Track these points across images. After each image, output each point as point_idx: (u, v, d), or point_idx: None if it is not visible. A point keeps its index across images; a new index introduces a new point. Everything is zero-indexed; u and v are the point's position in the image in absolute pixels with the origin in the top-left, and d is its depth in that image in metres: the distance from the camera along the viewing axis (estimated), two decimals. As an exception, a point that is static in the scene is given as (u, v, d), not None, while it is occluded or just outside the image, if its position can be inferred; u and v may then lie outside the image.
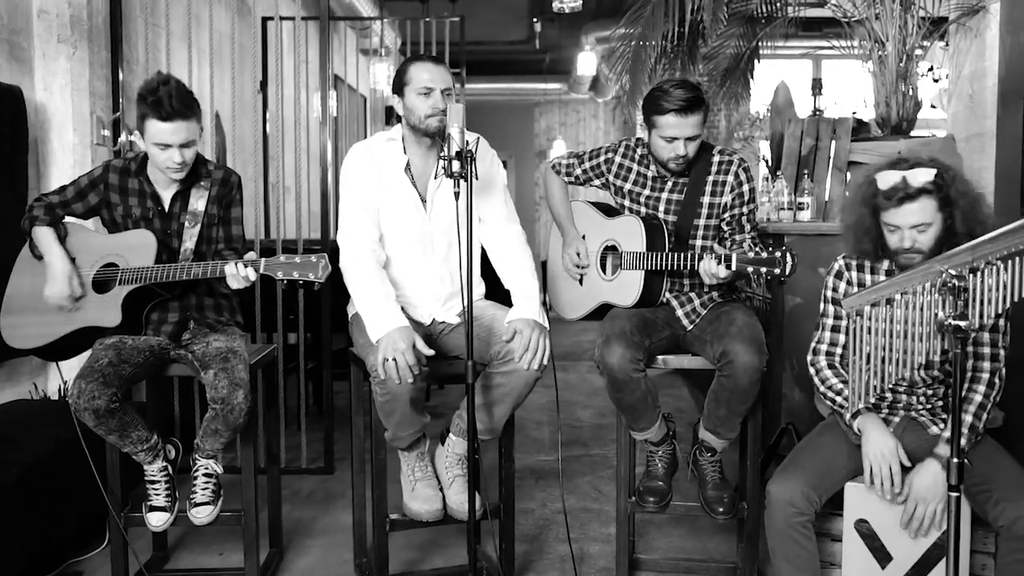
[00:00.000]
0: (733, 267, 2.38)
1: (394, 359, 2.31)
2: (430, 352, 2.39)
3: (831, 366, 2.37)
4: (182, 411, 3.83)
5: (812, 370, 2.38)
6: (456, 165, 2.26)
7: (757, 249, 2.37)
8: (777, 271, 2.33)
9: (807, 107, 4.67)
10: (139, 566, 2.69)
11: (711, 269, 2.42)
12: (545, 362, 2.46)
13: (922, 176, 2.13)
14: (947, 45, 4.16)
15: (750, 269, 2.35)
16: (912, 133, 3.98)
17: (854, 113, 4.39)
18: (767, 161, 4.53)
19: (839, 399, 2.29)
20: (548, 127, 12.92)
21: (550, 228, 3.07)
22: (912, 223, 2.14)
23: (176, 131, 2.45)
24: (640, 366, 2.55)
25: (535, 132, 12.97)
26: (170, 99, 2.43)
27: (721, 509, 2.65)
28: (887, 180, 2.17)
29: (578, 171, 2.93)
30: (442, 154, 2.30)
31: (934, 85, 4.84)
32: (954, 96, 4.15)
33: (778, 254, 2.33)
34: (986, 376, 2.21)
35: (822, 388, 2.35)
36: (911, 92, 3.91)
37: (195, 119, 2.50)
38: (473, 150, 2.30)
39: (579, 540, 3.17)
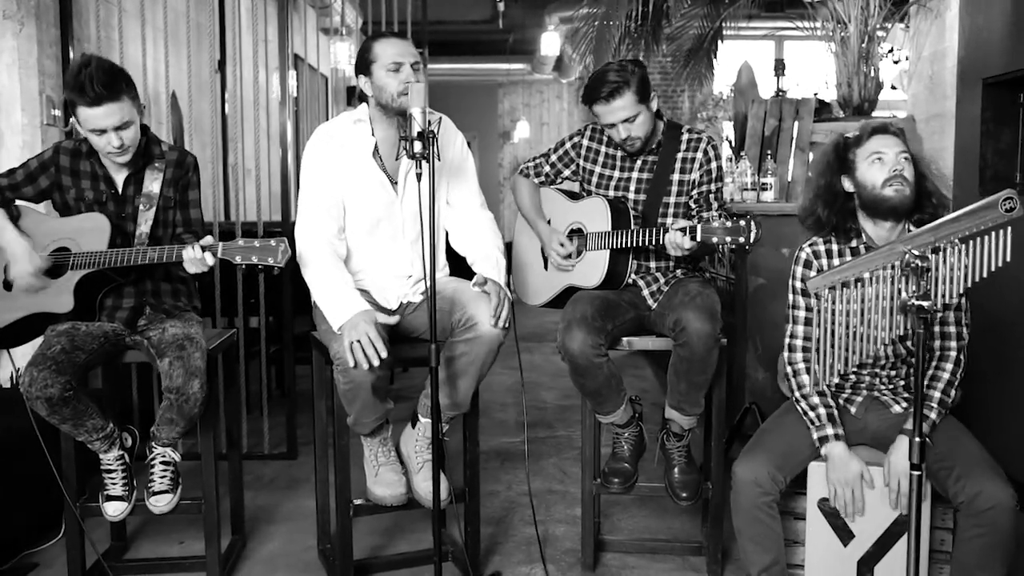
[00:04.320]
0: (698, 237, 2.35)
1: (358, 341, 2.27)
2: (393, 321, 2.38)
3: (810, 371, 2.29)
4: (140, 399, 3.75)
5: (789, 369, 2.34)
6: (418, 146, 2.22)
7: (722, 219, 2.35)
8: (742, 239, 2.31)
9: (770, 88, 4.69)
10: (96, 556, 2.63)
11: (676, 240, 2.39)
12: (509, 324, 2.44)
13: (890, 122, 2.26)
14: (908, 27, 4.20)
15: (715, 239, 2.33)
16: (873, 114, 4.01)
17: (816, 94, 4.42)
18: (731, 141, 4.55)
19: (811, 415, 2.25)
20: (512, 108, 12.85)
21: (516, 211, 3.04)
22: (898, 149, 2.18)
23: (107, 114, 2.36)
24: (602, 351, 2.54)
25: (499, 113, 12.90)
26: (92, 82, 2.32)
27: (685, 495, 2.66)
28: (853, 129, 2.25)
29: (547, 167, 2.91)
30: (403, 135, 2.25)
31: (894, 67, 4.89)
32: (914, 77, 4.18)
33: (742, 222, 2.31)
34: (953, 354, 2.24)
35: (797, 395, 2.30)
36: (873, 73, 3.95)
37: (127, 98, 2.39)
38: (436, 130, 2.26)
39: (545, 522, 3.17)
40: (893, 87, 4.99)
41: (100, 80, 2.33)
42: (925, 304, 1.75)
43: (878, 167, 2.20)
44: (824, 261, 2.34)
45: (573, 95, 12.44)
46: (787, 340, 2.38)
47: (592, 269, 2.70)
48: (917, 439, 1.79)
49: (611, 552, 2.92)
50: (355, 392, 2.37)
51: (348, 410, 2.45)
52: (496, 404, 4.85)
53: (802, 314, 2.36)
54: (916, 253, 1.78)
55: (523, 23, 9.50)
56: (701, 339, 2.45)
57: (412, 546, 2.97)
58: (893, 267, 1.87)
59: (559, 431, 4.40)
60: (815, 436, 2.24)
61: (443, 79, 11.58)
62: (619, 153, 2.77)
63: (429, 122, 2.24)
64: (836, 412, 2.25)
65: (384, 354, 2.28)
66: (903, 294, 1.80)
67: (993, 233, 1.80)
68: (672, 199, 2.71)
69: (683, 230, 2.39)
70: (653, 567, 2.83)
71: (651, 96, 2.64)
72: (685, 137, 2.72)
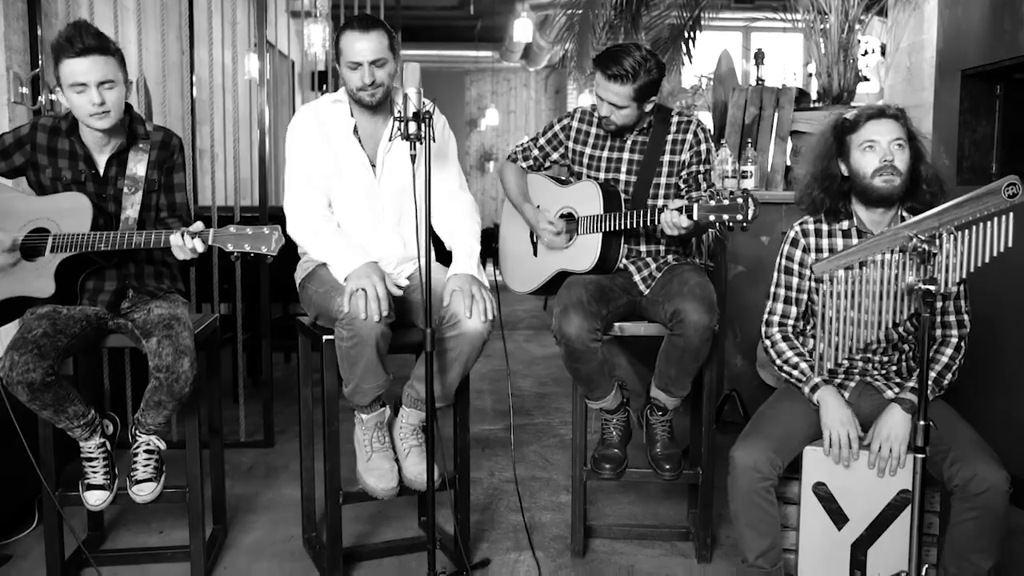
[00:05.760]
0: (695, 216, 2.34)
1: (363, 290, 2.24)
2: (398, 292, 2.36)
3: (785, 338, 2.36)
4: (112, 385, 3.66)
5: (767, 342, 2.38)
6: (412, 127, 2.18)
7: (718, 198, 2.33)
8: (740, 216, 2.30)
9: (740, 78, 4.70)
10: (77, 544, 2.55)
11: (673, 219, 2.38)
12: (492, 315, 2.40)
13: (887, 105, 2.25)
14: (886, 17, 4.23)
15: (712, 217, 2.31)
16: (852, 103, 4.04)
17: (783, 84, 4.45)
18: (709, 130, 4.55)
19: (795, 373, 2.30)
20: (479, 95, 12.79)
21: (490, 200, 3.01)
22: (891, 136, 2.18)
23: (92, 67, 2.27)
24: (598, 336, 2.53)
25: (466, 100, 12.83)
26: (80, 34, 2.25)
27: (668, 466, 2.68)
28: (853, 111, 2.25)
29: (535, 151, 2.90)
30: (397, 115, 2.21)
31: (861, 59, 4.94)
32: (892, 68, 4.22)
33: (740, 200, 2.30)
34: (954, 341, 2.27)
35: (778, 362, 2.34)
36: (852, 63, 3.97)
37: (113, 57, 2.31)
38: (431, 112, 2.23)
39: (530, 509, 3.15)
40: (866, 78, 5.04)
41: (90, 34, 2.26)
42: (932, 288, 1.76)
43: (870, 156, 2.20)
44: (812, 240, 2.35)
45: (541, 83, 12.41)
46: (765, 316, 2.42)
47: (584, 253, 2.69)
48: (922, 423, 1.80)
49: (599, 538, 2.92)
50: (360, 349, 2.31)
51: (348, 375, 2.39)
52: (473, 391, 4.79)
53: (782, 292, 2.40)
54: (923, 238, 1.79)
55: (493, 9, 9.43)
56: (698, 331, 2.46)
57: (398, 533, 2.94)
58: (895, 252, 1.88)
59: (537, 418, 4.38)
60: (806, 391, 2.27)
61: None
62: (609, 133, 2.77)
63: (424, 103, 2.21)
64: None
65: (386, 312, 2.26)
66: (909, 278, 1.81)
67: (995, 219, 1.82)
68: (663, 179, 2.72)
69: (679, 209, 2.38)
70: (642, 552, 2.83)
71: (648, 100, 2.64)
72: (675, 119, 2.73)
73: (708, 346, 2.52)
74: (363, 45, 2.41)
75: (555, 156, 2.90)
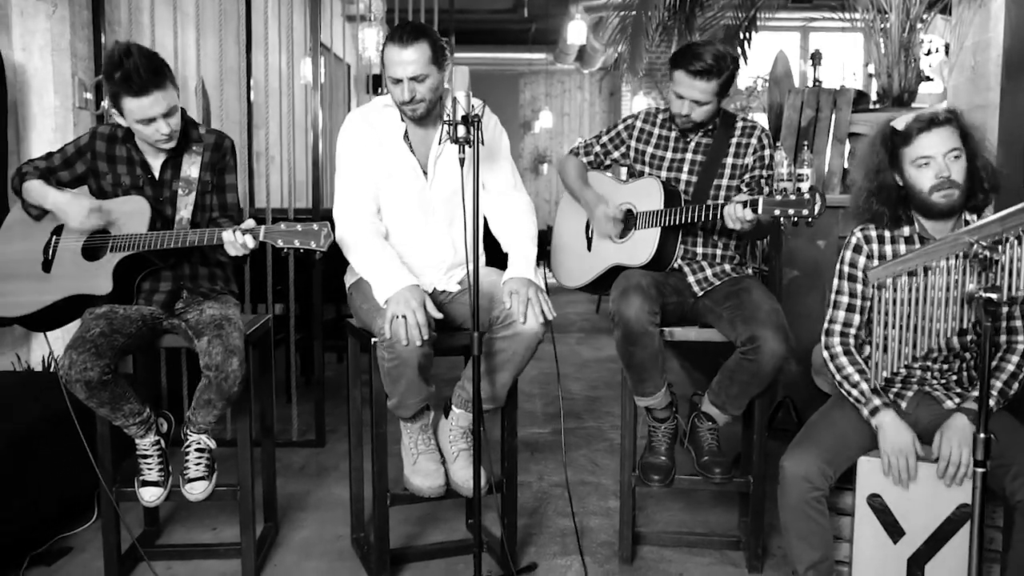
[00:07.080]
0: (760, 210, 2.31)
1: (403, 316, 2.24)
2: (439, 315, 2.33)
3: (847, 352, 2.27)
4: (169, 384, 3.74)
5: (827, 353, 2.30)
6: (461, 130, 2.18)
7: (785, 192, 2.30)
8: (806, 211, 2.26)
9: (797, 78, 4.61)
10: (131, 541, 2.61)
11: (736, 213, 2.35)
12: (551, 316, 2.39)
13: (938, 108, 2.16)
14: (949, 15, 4.11)
15: (777, 211, 2.28)
16: (913, 104, 3.94)
17: (841, 85, 4.35)
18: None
19: (855, 392, 2.21)
20: (533, 98, 12.79)
21: (553, 205, 3.01)
22: (945, 149, 2.10)
23: (154, 103, 2.32)
24: (656, 319, 2.50)
25: (520, 103, 12.84)
26: (138, 72, 2.27)
27: (718, 470, 2.63)
28: (903, 120, 2.17)
29: (597, 147, 2.92)
30: (447, 119, 2.21)
31: (924, 58, 4.81)
32: (955, 68, 4.09)
33: (806, 195, 2.26)
34: (1020, 347, 2.17)
35: (838, 377, 2.26)
36: (913, 63, 3.87)
37: (170, 84, 2.35)
38: (480, 115, 2.22)
39: (578, 514, 3.12)
40: (929, 78, 4.91)
41: (145, 68, 2.28)
42: (994, 296, 1.70)
43: (925, 172, 2.13)
44: (875, 247, 2.27)
45: (595, 85, 12.36)
46: (826, 324, 2.33)
47: (641, 247, 2.67)
48: (982, 435, 1.74)
49: (648, 545, 2.88)
50: (400, 370, 2.32)
51: (391, 391, 2.41)
52: (523, 394, 4.82)
53: (844, 299, 2.31)
54: (985, 244, 1.72)
55: (547, 12, 9.43)
56: (774, 359, 2.42)
57: (446, 536, 2.95)
58: (959, 257, 1.81)
59: (588, 422, 4.36)
60: (865, 412, 2.19)
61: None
62: (673, 134, 2.78)
63: (473, 106, 2.21)
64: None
65: (426, 336, 2.26)
66: (969, 285, 1.75)
67: (1064, 224, 1.75)
68: (724, 181, 2.71)
69: (743, 203, 2.35)
70: (691, 561, 2.79)
71: (726, 95, 2.66)
72: (739, 124, 2.73)
73: (776, 373, 2.48)
74: (401, 59, 2.37)
75: (616, 155, 2.90)
